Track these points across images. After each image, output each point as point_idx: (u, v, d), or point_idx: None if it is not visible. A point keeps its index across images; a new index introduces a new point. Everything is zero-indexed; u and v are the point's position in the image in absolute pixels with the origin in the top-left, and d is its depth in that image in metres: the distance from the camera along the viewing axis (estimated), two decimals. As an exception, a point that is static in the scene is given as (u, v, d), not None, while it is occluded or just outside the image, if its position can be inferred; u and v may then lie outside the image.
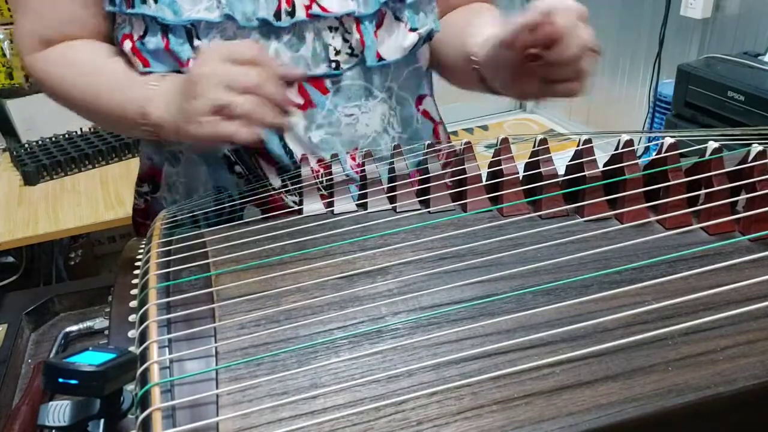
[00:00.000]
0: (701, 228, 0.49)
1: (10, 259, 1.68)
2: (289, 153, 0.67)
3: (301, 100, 0.65)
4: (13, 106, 1.69)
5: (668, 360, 0.38)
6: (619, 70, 2.76)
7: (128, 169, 1.51)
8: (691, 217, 0.49)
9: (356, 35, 0.65)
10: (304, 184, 0.56)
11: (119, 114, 0.62)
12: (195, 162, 0.70)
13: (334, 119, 0.67)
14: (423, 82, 0.75)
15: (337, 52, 0.65)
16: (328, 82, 0.66)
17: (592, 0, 2.98)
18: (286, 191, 0.68)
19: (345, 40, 0.65)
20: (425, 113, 0.76)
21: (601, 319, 0.39)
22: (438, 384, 0.36)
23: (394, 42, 0.67)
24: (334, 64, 0.65)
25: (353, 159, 0.69)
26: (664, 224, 0.49)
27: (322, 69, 0.65)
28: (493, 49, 0.62)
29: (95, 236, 1.98)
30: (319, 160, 0.67)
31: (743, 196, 0.51)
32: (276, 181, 0.68)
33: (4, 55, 1.66)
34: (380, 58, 0.66)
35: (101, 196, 1.43)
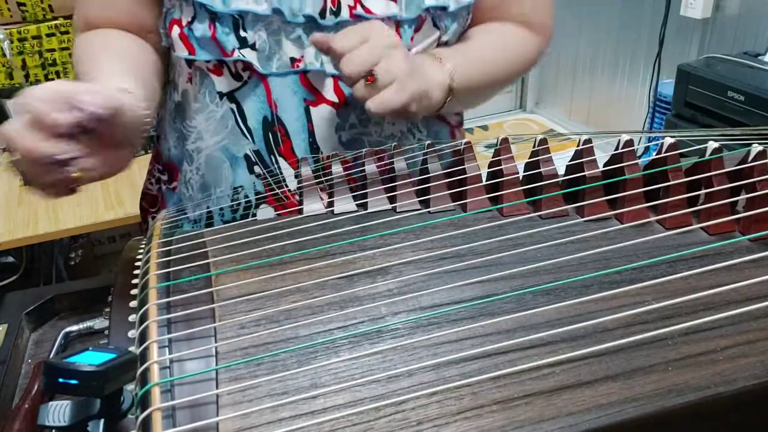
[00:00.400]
0: (701, 228, 0.49)
1: (10, 259, 1.68)
2: (315, 150, 0.68)
3: (336, 98, 0.66)
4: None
5: (668, 360, 0.38)
6: (619, 70, 2.76)
7: (128, 169, 1.51)
8: (691, 217, 0.49)
9: None
10: (304, 184, 0.56)
11: None
12: (217, 159, 0.70)
13: (364, 118, 0.68)
14: None
15: None
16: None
17: (593, 0, 2.96)
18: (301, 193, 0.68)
19: None
20: (439, 116, 0.76)
21: (601, 319, 0.39)
22: (438, 384, 0.36)
23: (423, 39, 0.68)
24: None
25: (380, 159, 0.69)
26: (664, 224, 0.49)
27: None
28: None
29: (95, 236, 1.98)
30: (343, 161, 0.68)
31: (743, 196, 0.51)
32: (292, 183, 0.69)
33: (4, 55, 1.66)
34: None
35: (101, 196, 1.43)
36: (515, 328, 0.40)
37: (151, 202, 0.81)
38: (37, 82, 1.69)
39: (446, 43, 0.70)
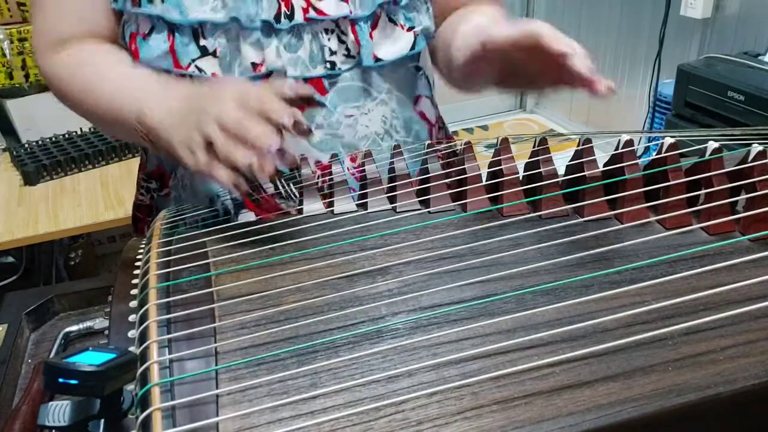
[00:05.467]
0: (701, 228, 0.49)
1: (10, 259, 1.67)
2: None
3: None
4: (13, 106, 1.69)
5: (668, 360, 0.38)
6: (619, 70, 2.75)
7: (128, 169, 1.51)
8: (691, 217, 0.49)
9: (351, 36, 0.66)
10: (303, 184, 0.56)
11: (117, 118, 0.62)
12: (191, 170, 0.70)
13: (334, 120, 0.68)
14: (420, 83, 0.75)
15: (333, 53, 0.65)
16: (326, 83, 0.67)
17: (593, 0, 2.95)
18: (279, 195, 0.68)
19: (341, 42, 0.66)
20: (421, 114, 0.76)
21: (601, 319, 0.39)
22: (438, 384, 0.36)
23: (391, 42, 0.68)
24: (329, 65, 0.66)
25: (353, 161, 0.69)
26: (664, 224, 0.49)
27: (319, 70, 0.66)
28: (476, 42, 0.61)
29: (95, 236, 1.98)
30: (318, 162, 0.67)
31: (743, 196, 0.51)
32: (269, 187, 0.68)
33: (4, 55, 1.66)
34: (377, 59, 0.67)
35: (101, 196, 1.43)
36: (515, 328, 0.40)
37: (147, 212, 0.81)
38: (37, 82, 1.69)
39: (426, 34, 0.69)
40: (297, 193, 0.60)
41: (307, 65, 0.65)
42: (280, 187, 0.68)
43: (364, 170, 0.56)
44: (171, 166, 0.75)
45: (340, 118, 0.68)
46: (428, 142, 0.61)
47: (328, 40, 0.65)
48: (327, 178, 0.59)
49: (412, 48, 0.69)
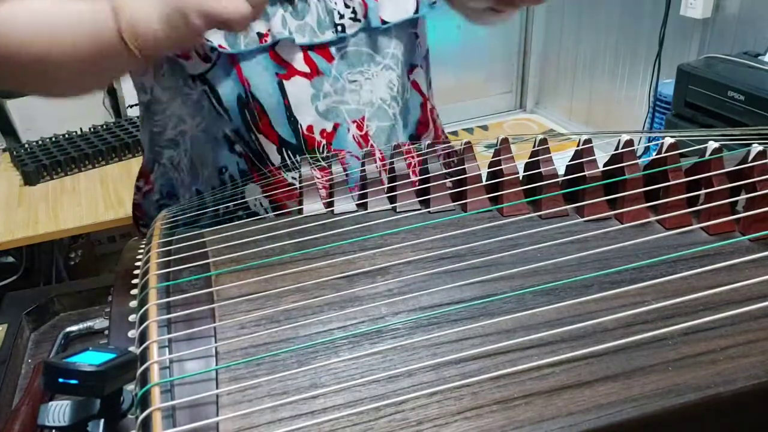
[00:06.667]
0: (701, 228, 0.49)
1: (10, 259, 1.68)
2: (294, 123, 0.68)
3: (307, 69, 0.66)
4: (13, 106, 1.69)
5: (668, 360, 0.38)
6: (619, 70, 2.76)
7: (128, 169, 1.51)
8: (691, 217, 0.49)
9: None
10: (303, 184, 0.56)
11: (80, 33, 0.53)
12: (200, 141, 0.71)
13: (339, 86, 0.68)
14: (417, 51, 0.76)
15: (341, 16, 0.66)
16: (333, 49, 0.67)
17: (593, 0, 2.96)
18: (286, 168, 0.69)
19: (347, 6, 0.66)
20: (414, 84, 0.76)
21: (601, 319, 0.39)
22: (438, 384, 0.36)
23: (395, 4, 0.68)
24: (339, 28, 0.66)
25: (359, 129, 0.69)
26: (664, 224, 0.49)
27: (327, 35, 0.66)
28: None
29: (95, 236, 1.98)
30: (322, 131, 0.68)
31: (743, 196, 0.51)
32: (276, 158, 0.69)
33: (4, 55, 1.66)
34: (384, 21, 0.67)
35: (101, 196, 1.43)
36: (515, 328, 0.40)
37: (140, 209, 0.83)
38: (37, 82, 1.69)
39: (419, 2, 0.70)
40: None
41: (315, 31, 0.65)
42: (287, 160, 0.68)
43: (364, 170, 0.56)
44: (148, 164, 0.75)
45: (345, 84, 0.68)
46: (428, 141, 0.61)
47: (335, 3, 0.65)
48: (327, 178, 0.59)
49: (416, 11, 0.69)
